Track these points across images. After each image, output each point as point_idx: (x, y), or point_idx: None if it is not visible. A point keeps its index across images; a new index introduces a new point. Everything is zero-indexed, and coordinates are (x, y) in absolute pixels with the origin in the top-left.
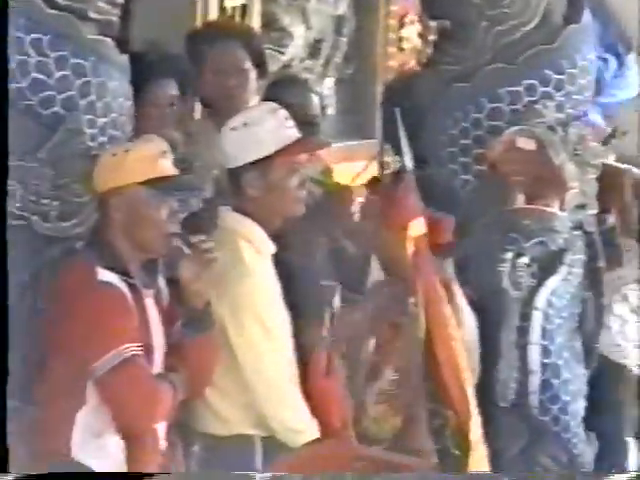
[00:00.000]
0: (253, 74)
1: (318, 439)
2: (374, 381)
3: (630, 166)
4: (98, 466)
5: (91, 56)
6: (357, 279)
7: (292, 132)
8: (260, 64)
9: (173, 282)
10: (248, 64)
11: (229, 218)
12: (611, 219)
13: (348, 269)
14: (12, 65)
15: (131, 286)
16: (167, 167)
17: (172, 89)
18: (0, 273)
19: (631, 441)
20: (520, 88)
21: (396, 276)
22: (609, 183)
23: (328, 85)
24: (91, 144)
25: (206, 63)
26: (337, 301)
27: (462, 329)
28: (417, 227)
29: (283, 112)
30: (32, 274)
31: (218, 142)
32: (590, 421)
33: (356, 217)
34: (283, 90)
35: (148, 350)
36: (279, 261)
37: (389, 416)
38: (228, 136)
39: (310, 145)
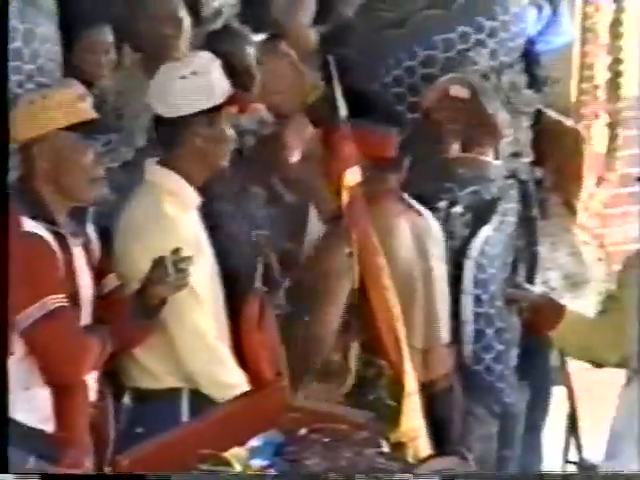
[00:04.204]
0: (187, 22)
1: (250, 391)
2: None
3: (570, 120)
4: (26, 418)
5: (16, 0)
6: (296, 229)
7: (228, 82)
8: (195, 11)
9: (104, 232)
10: (183, 12)
11: (153, 171)
12: (539, 172)
13: (286, 218)
14: None
15: (57, 235)
16: (87, 110)
17: (107, 36)
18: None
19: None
20: (454, 35)
21: (332, 225)
22: (547, 135)
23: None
24: (18, 91)
25: (141, 10)
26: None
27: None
28: (352, 176)
29: (219, 62)
30: None
31: (158, 90)
32: (520, 370)
33: (293, 166)
34: (219, 40)
35: (75, 301)
36: (208, 213)
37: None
38: (175, 84)
39: (245, 97)
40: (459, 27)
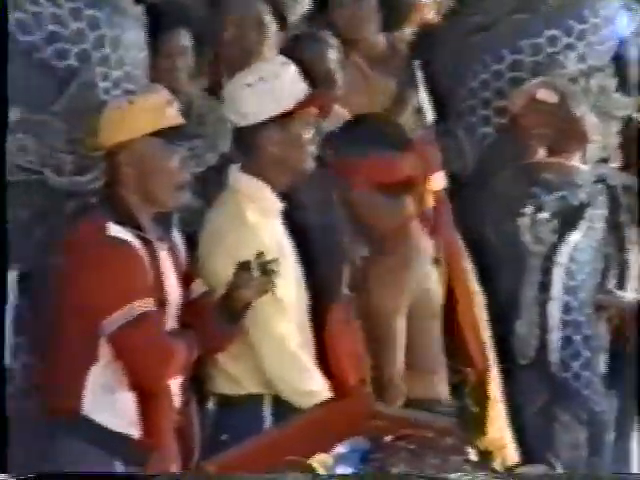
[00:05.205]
0: (273, 27)
1: (334, 397)
2: None
3: None
4: (111, 423)
5: (106, 7)
6: None
7: (304, 86)
8: (280, 17)
9: (190, 238)
10: (268, 17)
11: (236, 177)
12: (627, 178)
13: None
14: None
15: (144, 240)
16: (175, 116)
17: (184, 39)
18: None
19: None
20: (542, 39)
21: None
22: (634, 140)
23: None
24: (105, 97)
25: (226, 16)
26: (358, 257)
27: None
28: (438, 181)
29: (293, 66)
30: (50, 229)
31: (229, 99)
32: (609, 377)
33: None
34: (301, 44)
35: (162, 305)
36: (293, 218)
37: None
38: (243, 92)
39: (323, 99)
40: (547, 30)
